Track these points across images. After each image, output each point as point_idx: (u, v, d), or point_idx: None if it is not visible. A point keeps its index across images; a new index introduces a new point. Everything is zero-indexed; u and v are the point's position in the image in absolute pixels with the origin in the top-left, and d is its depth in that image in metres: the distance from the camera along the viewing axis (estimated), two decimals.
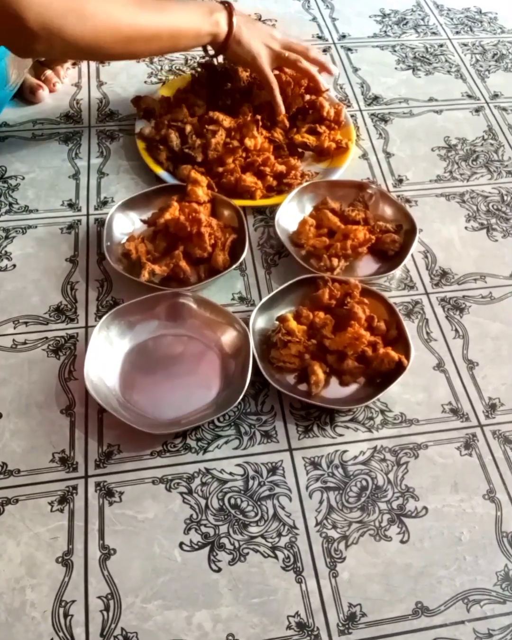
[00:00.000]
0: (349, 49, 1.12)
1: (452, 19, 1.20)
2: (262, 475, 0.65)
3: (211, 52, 0.89)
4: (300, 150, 0.92)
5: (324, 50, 1.11)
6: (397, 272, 0.82)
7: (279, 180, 0.88)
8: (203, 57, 0.99)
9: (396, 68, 1.10)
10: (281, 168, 0.88)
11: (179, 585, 0.59)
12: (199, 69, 0.98)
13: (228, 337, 0.72)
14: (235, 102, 0.92)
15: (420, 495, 0.65)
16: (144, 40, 0.79)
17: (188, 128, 0.88)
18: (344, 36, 1.15)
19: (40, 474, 0.64)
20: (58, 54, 0.88)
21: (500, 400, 0.72)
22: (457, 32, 1.18)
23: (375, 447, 0.68)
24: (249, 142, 0.88)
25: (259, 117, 0.91)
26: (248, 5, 1.18)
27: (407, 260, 0.81)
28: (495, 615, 0.59)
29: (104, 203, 0.87)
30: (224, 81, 0.95)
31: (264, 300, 0.74)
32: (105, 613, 0.57)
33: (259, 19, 1.14)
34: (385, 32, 1.16)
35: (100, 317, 0.73)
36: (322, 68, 0.94)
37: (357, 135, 0.97)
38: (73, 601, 0.58)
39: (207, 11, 0.83)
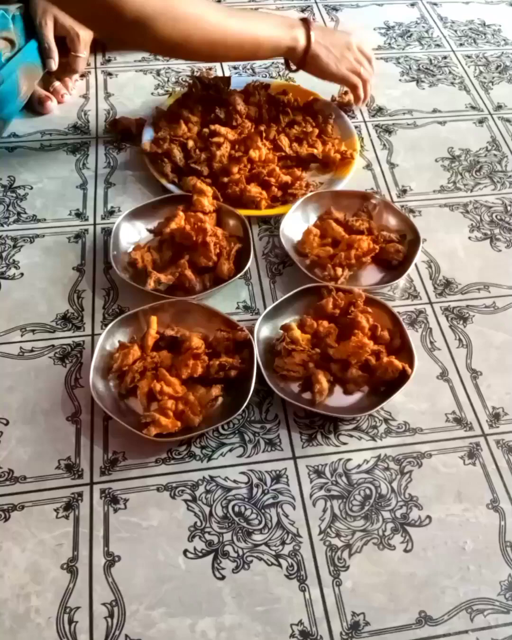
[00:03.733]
0: None
1: (456, 31, 1.22)
2: (266, 483, 0.66)
3: (293, 67, 0.94)
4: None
5: None
6: (401, 282, 0.83)
7: (284, 191, 0.89)
8: (282, 73, 1.08)
9: (400, 80, 1.11)
10: (286, 178, 0.88)
11: (183, 592, 0.59)
12: (190, 82, 0.99)
13: None
14: (228, 115, 0.93)
15: (424, 504, 0.65)
16: (228, 46, 0.83)
17: (190, 143, 0.89)
18: None
19: (46, 480, 0.65)
20: (149, 48, 0.93)
21: (504, 410, 0.72)
22: (461, 44, 1.19)
23: (379, 455, 0.68)
24: (253, 154, 0.89)
25: (262, 128, 0.92)
26: None
27: (411, 270, 0.81)
28: (499, 625, 0.59)
29: (110, 213, 0.88)
30: (215, 94, 0.96)
31: (268, 309, 0.75)
32: (109, 620, 0.57)
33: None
34: (389, 44, 1.18)
35: (106, 325, 0.73)
36: (365, 94, 0.99)
37: (362, 146, 0.98)
38: (77, 608, 0.58)
39: (288, 26, 0.87)
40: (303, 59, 0.90)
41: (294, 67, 0.94)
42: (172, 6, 0.75)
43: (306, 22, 0.89)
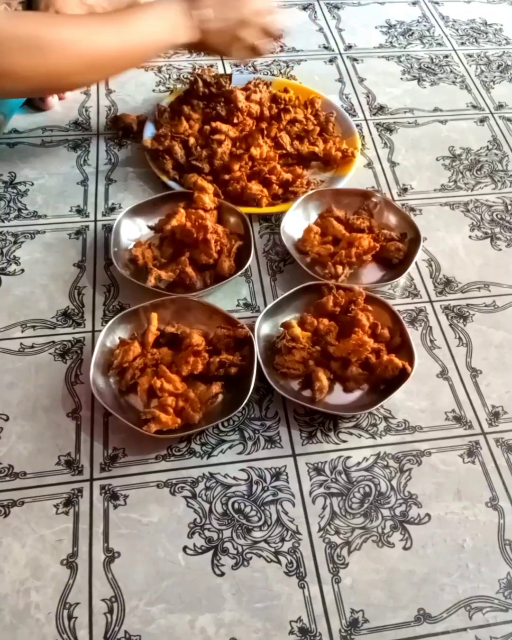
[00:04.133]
0: (355, 60, 1.13)
1: (457, 30, 1.22)
2: (265, 480, 0.66)
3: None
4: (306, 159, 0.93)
5: (330, 60, 1.12)
6: (402, 280, 0.83)
7: (285, 189, 0.89)
8: (283, 70, 1.05)
9: (401, 78, 1.11)
10: (287, 176, 0.88)
11: (183, 589, 0.59)
12: (191, 79, 0.99)
13: None
14: (230, 112, 0.93)
15: (423, 502, 0.65)
16: (107, 63, 0.74)
17: (191, 141, 0.89)
18: (350, 46, 1.16)
19: (46, 476, 0.65)
20: (11, 93, 0.79)
21: (503, 409, 0.72)
22: (462, 43, 1.19)
23: (378, 453, 0.68)
24: (254, 151, 0.89)
25: (263, 126, 0.92)
26: None
27: (411, 269, 0.81)
28: (497, 623, 0.59)
29: (111, 209, 0.88)
30: (216, 91, 0.96)
31: (269, 306, 0.75)
32: (109, 616, 0.57)
33: None
34: (391, 42, 1.18)
35: (106, 322, 0.73)
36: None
37: (363, 145, 0.98)
38: (77, 604, 0.58)
39: (172, 15, 0.76)
40: (193, 44, 0.81)
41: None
42: (29, 40, 0.64)
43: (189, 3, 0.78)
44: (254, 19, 0.83)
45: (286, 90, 0.99)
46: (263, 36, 0.85)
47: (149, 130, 0.93)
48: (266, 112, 0.94)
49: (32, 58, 0.65)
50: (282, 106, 0.95)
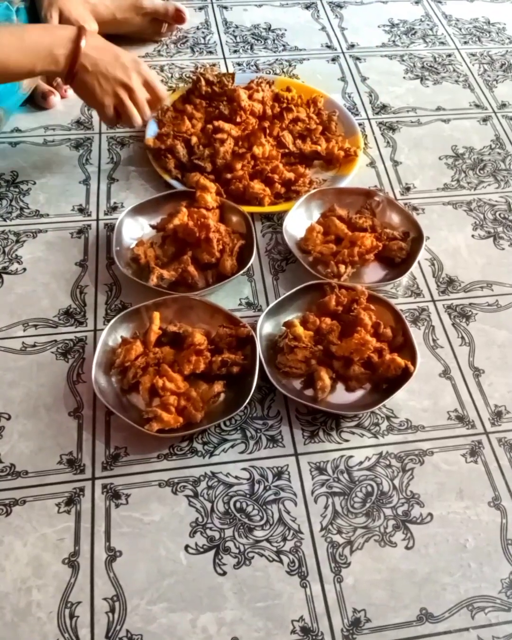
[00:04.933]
0: (358, 59, 1.13)
1: (460, 29, 1.21)
2: (267, 479, 0.66)
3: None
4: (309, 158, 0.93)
5: (333, 59, 1.12)
6: (404, 279, 0.83)
7: (288, 188, 0.89)
8: (285, 69, 1.04)
9: (404, 77, 1.11)
10: (290, 175, 0.88)
11: (184, 588, 0.59)
12: (194, 78, 0.99)
13: None
14: (232, 111, 0.93)
15: (425, 501, 0.65)
16: None
17: (194, 139, 0.89)
18: (352, 45, 1.16)
19: (48, 475, 0.65)
20: None
21: (506, 408, 0.72)
22: (465, 42, 1.18)
23: (380, 453, 0.68)
24: (257, 150, 0.89)
25: (266, 125, 0.92)
26: (258, 15, 1.19)
27: (414, 268, 0.81)
28: (499, 623, 0.59)
29: (113, 208, 0.88)
30: (219, 90, 0.96)
31: (271, 305, 0.75)
32: (110, 615, 0.57)
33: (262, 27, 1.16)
34: (393, 41, 1.17)
35: (108, 321, 0.73)
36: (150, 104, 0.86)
37: (365, 144, 0.98)
38: (79, 602, 0.58)
39: (49, 44, 0.75)
40: (66, 80, 0.79)
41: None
42: None
43: (76, 37, 0.76)
44: (140, 69, 0.82)
45: (288, 89, 0.99)
46: (141, 93, 0.82)
47: (151, 129, 0.93)
48: (269, 111, 0.94)
49: None
50: (284, 105, 0.95)
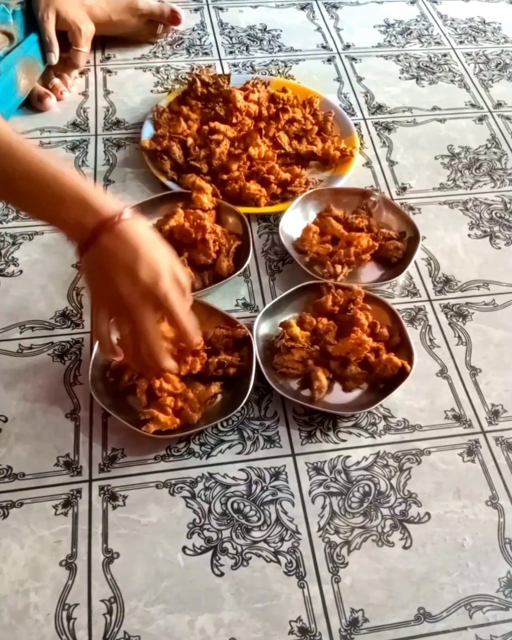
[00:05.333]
0: (353, 59, 1.13)
1: (456, 28, 1.21)
2: (265, 480, 0.66)
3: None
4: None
5: (329, 60, 1.12)
6: (401, 279, 0.83)
7: (284, 188, 0.89)
8: (281, 70, 1.04)
9: (399, 77, 1.11)
10: (286, 176, 0.88)
11: (182, 589, 0.59)
12: (189, 79, 0.99)
13: None
14: (228, 112, 0.93)
15: (422, 501, 0.65)
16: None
17: (189, 141, 0.89)
18: (348, 46, 1.16)
19: (45, 477, 0.65)
20: None
21: (503, 407, 0.72)
22: (461, 42, 1.19)
23: (378, 452, 0.68)
24: (253, 151, 0.89)
25: (262, 125, 0.92)
26: (253, 16, 1.19)
27: (411, 267, 0.81)
28: (497, 622, 0.59)
29: None
30: (215, 91, 0.96)
31: (267, 306, 0.75)
32: (108, 616, 0.57)
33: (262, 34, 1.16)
34: (389, 42, 1.17)
35: None
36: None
37: (361, 144, 0.98)
38: (76, 604, 0.58)
39: (73, 224, 0.57)
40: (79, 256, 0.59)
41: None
42: None
43: (98, 230, 0.56)
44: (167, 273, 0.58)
45: (284, 90, 0.99)
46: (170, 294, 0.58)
47: (147, 131, 0.93)
48: (265, 112, 0.94)
49: None
50: (280, 106, 0.95)
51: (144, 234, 0.58)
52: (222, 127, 0.88)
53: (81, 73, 1.06)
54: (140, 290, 0.56)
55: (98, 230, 0.56)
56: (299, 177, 0.89)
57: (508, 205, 0.92)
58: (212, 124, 0.88)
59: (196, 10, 1.21)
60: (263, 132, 0.92)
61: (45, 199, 0.57)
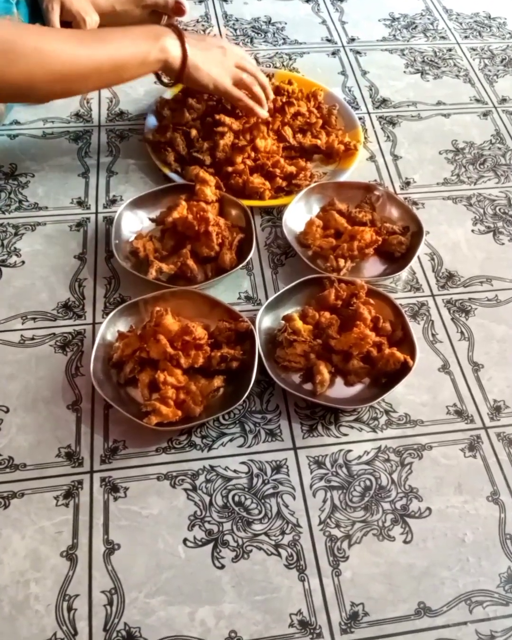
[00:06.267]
0: (358, 52, 1.13)
1: (461, 23, 1.21)
2: (266, 473, 0.66)
3: (167, 79, 0.86)
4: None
5: (333, 53, 1.12)
6: (404, 274, 0.82)
7: (289, 181, 0.88)
8: (285, 63, 1.04)
9: (404, 71, 1.10)
10: (291, 169, 0.88)
11: (183, 581, 0.59)
12: None
13: None
14: None
15: (424, 495, 0.65)
16: (83, 76, 0.73)
17: (193, 132, 0.89)
18: (353, 39, 1.15)
19: (46, 468, 0.65)
20: None
21: (505, 403, 0.72)
22: (466, 37, 1.18)
23: (379, 447, 0.68)
24: (260, 143, 0.88)
25: (268, 118, 0.91)
26: (258, 8, 1.19)
27: (414, 262, 0.81)
28: (497, 617, 0.59)
29: (112, 201, 0.88)
30: None
31: (270, 299, 0.75)
32: (108, 607, 0.57)
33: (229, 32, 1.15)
34: (394, 36, 1.17)
35: (107, 314, 0.73)
36: (266, 93, 0.90)
37: (365, 138, 0.98)
38: (77, 595, 0.58)
39: (153, 36, 0.77)
40: (181, 71, 0.80)
41: (167, 80, 0.86)
42: (6, 45, 0.65)
43: (175, 29, 0.79)
44: (232, 51, 0.85)
45: (289, 82, 0.98)
46: (248, 66, 0.86)
47: (150, 122, 0.93)
48: (270, 104, 0.93)
49: (7, 66, 0.66)
50: (285, 100, 0.94)
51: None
52: (227, 119, 0.87)
53: None
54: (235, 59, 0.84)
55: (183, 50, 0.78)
56: (304, 171, 0.89)
57: None
58: (217, 116, 0.88)
59: (200, 1, 1.20)
60: (269, 125, 0.91)
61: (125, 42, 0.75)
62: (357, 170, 0.92)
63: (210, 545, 0.61)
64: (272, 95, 0.91)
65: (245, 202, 0.84)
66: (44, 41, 0.69)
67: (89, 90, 0.88)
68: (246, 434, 0.68)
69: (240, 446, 0.67)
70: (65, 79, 0.72)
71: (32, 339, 0.74)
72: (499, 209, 0.91)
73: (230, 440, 0.68)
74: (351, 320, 0.72)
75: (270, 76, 0.99)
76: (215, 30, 1.14)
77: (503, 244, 0.87)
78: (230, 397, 0.68)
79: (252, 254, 0.79)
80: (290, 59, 1.10)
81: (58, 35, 0.74)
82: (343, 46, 1.14)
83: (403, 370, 0.69)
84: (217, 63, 0.82)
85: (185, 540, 0.61)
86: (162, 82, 0.90)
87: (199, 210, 0.79)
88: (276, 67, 1.07)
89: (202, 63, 0.80)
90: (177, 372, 0.68)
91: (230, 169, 0.87)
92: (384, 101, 1.05)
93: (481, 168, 0.96)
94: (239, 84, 0.85)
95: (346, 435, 0.69)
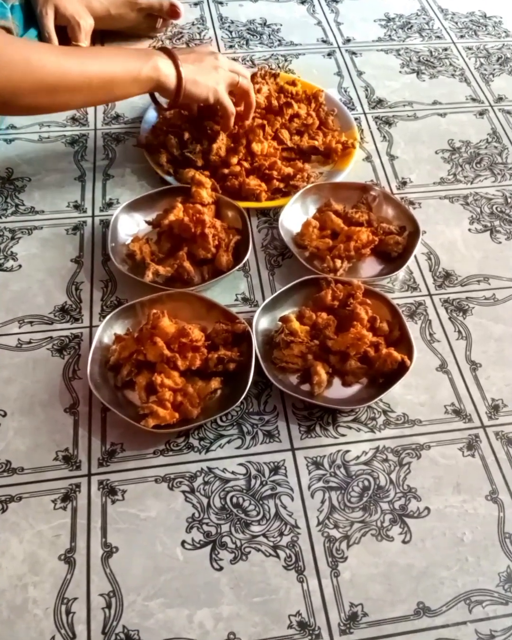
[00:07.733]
0: (354, 53, 1.13)
1: (456, 22, 1.21)
2: (264, 474, 0.66)
3: (163, 101, 0.85)
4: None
5: (329, 54, 1.12)
6: (401, 274, 0.82)
7: (286, 183, 0.88)
8: (281, 64, 1.04)
9: (400, 71, 1.10)
10: (289, 170, 0.88)
11: (181, 583, 0.59)
12: None
13: None
14: None
15: (422, 495, 0.65)
16: (71, 89, 0.72)
17: (186, 135, 0.88)
18: (348, 40, 1.15)
19: (44, 472, 0.65)
20: None
21: (503, 402, 0.72)
22: (461, 36, 1.18)
23: (377, 447, 0.68)
24: (256, 147, 0.88)
25: (264, 122, 0.91)
26: (253, 10, 1.19)
27: (411, 262, 0.81)
28: (497, 617, 0.59)
29: (109, 205, 0.88)
30: None
31: (267, 300, 0.75)
32: (107, 611, 0.57)
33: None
34: (389, 36, 1.17)
35: (104, 317, 0.73)
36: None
37: (362, 138, 0.98)
38: (75, 599, 0.58)
39: (144, 55, 0.77)
40: (178, 88, 0.78)
41: (164, 103, 0.85)
42: None
43: (166, 50, 0.78)
44: (220, 59, 0.83)
45: (293, 83, 0.98)
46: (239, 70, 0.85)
47: (146, 125, 0.93)
48: (274, 103, 0.93)
49: None
50: (283, 101, 0.94)
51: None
52: (217, 126, 0.87)
53: None
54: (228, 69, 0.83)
55: (176, 69, 0.77)
56: (301, 172, 0.89)
57: (509, 200, 0.92)
58: (206, 123, 0.87)
59: (196, 4, 1.20)
60: (265, 128, 0.91)
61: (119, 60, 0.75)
62: (353, 171, 0.92)
63: (209, 547, 0.61)
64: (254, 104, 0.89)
65: (242, 204, 0.84)
66: (32, 51, 0.69)
67: (79, 105, 0.87)
68: (244, 435, 0.68)
69: (238, 448, 0.67)
70: (52, 90, 0.70)
71: (29, 342, 0.74)
72: (496, 208, 0.91)
73: (228, 441, 0.68)
74: (348, 321, 0.72)
75: (275, 76, 0.99)
76: (211, 33, 1.14)
77: (500, 242, 0.87)
78: (227, 399, 0.68)
79: (249, 255, 0.79)
80: (286, 60, 1.10)
81: (48, 47, 0.74)
82: (339, 47, 1.14)
83: (401, 370, 0.69)
84: (212, 72, 0.81)
85: (183, 543, 0.61)
86: (158, 106, 0.89)
87: (195, 213, 0.79)
88: (273, 69, 1.07)
89: (198, 76, 0.80)
90: (174, 374, 0.68)
91: (226, 171, 0.87)
92: (380, 101, 1.05)
93: (477, 167, 0.96)
94: (235, 88, 0.85)
95: (343, 435, 0.69)
